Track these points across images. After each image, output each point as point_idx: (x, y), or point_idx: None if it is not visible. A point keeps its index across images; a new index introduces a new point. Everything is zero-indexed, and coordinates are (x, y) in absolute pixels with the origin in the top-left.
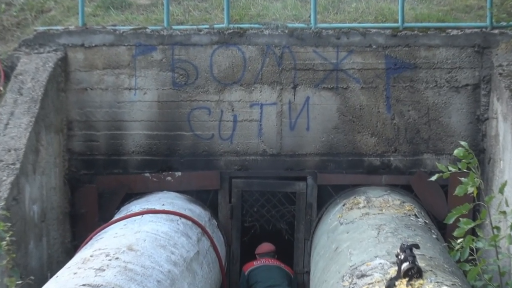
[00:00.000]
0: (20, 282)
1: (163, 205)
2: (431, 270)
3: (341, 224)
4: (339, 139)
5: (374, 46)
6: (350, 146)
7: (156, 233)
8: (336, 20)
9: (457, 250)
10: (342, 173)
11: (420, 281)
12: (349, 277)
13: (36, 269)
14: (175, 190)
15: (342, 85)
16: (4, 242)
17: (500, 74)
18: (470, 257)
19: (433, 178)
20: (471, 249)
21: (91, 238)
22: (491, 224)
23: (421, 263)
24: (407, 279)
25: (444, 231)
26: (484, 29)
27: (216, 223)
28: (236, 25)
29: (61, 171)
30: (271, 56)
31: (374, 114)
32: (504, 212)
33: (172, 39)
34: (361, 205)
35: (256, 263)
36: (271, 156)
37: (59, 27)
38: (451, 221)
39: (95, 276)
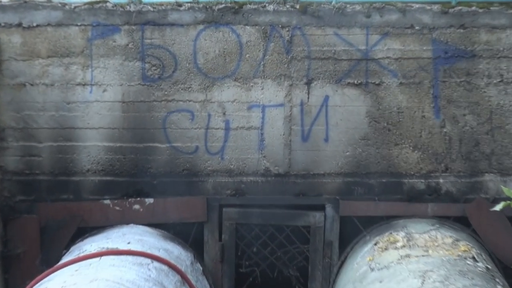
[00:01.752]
0: None
1: (128, 243)
2: None
3: (372, 270)
4: (369, 154)
5: (417, 27)
6: (384, 164)
7: (119, 282)
8: None
9: None
10: (373, 200)
11: None
12: None
13: None
14: (146, 223)
15: (373, 80)
16: None
17: None
18: None
19: (498, 207)
20: None
21: None
22: None
23: None
24: None
25: None
26: None
27: (201, 268)
28: None
29: None
30: (277, 40)
31: (417, 120)
32: None
33: (142, 17)
34: (399, 244)
35: None
36: (276, 177)
37: None
38: None
39: None
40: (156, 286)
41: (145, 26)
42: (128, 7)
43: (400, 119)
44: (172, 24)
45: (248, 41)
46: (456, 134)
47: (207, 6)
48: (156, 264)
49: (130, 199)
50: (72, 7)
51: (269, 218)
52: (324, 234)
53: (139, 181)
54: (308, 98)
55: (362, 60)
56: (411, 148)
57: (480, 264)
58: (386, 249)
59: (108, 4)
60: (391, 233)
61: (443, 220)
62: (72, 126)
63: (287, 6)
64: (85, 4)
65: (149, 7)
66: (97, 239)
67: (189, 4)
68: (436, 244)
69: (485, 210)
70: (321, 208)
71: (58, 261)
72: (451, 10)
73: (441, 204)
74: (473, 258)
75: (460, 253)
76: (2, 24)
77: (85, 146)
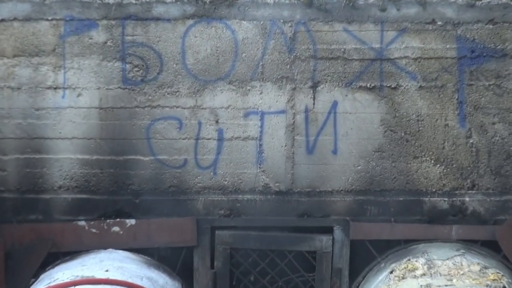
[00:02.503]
0: None
1: (106, 271)
2: None
3: None
4: (384, 168)
5: (439, 23)
6: (401, 180)
7: None
8: None
9: None
10: (389, 221)
11: None
12: None
13: None
14: (127, 248)
15: (389, 83)
16: None
17: None
18: None
19: None
20: None
21: None
22: None
23: None
24: None
25: None
26: None
27: None
28: None
29: None
30: (278, 37)
31: (440, 129)
32: None
33: (123, 10)
34: (418, 272)
35: None
36: (277, 195)
37: None
38: None
39: None
40: None
41: (126, 21)
42: None
43: (420, 128)
44: (157, 19)
45: (245, 38)
46: (484, 146)
47: None
48: None
49: (108, 220)
50: None
51: (269, 243)
52: (332, 261)
53: (118, 200)
54: (314, 104)
55: (376, 60)
56: (432, 161)
57: None
58: (403, 278)
59: None
60: (409, 260)
61: (470, 244)
62: (42, 136)
63: None
64: None
65: None
66: (70, 266)
67: None
68: (461, 272)
69: None
70: (329, 230)
71: None
72: (478, 3)
73: (467, 226)
74: None
75: (489, 283)
76: None
77: (56, 159)
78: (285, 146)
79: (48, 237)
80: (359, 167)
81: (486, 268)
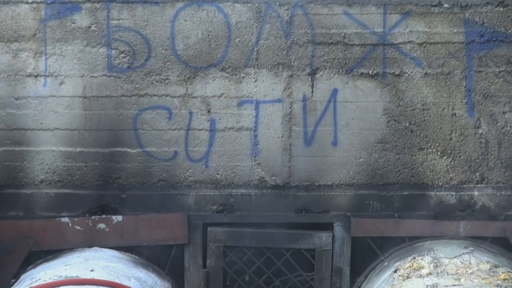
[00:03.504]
0: None
1: (92, 270)
2: None
3: None
4: (387, 161)
5: (446, 5)
6: (406, 173)
7: None
8: None
9: None
10: (392, 217)
11: None
12: None
13: None
14: (113, 246)
15: (392, 69)
16: None
17: None
18: None
19: None
20: None
21: None
22: None
23: None
24: None
25: None
26: None
27: None
28: None
29: None
30: (274, 21)
31: (447, 119)
32: None
33: None
34: (424, 271)
35: None
36: (273, 189)
37: None
38: None
39: None
40: None
41: (112, 4)
42: None
43: (425, 118)
44: (144, 1)
45: (238, 22)
46: (494, 136)
47: None
48: None
49: (93, 217)
50: None
51: (265, 240)
52: (332, 259)
53: (104, 195)
54: (312, 92)
55: (379, 45)
56: (439, 153)
57: None
58: (408, 277)
59: None
60: (414, 258)
61: (479, 241)
62: (22, 127)
63: None
64: None
65: None
66: (53, 266)
67: None
68: (469, 271)
69: None
70: (329, 227)
71: None
72: None
73: (475, 222)
74: None
75: (499, 282)
76: None
77: (38, 152)
78: (282, 137)
79: (29, 234)
80: (360, 160)
81: (496, 267)
